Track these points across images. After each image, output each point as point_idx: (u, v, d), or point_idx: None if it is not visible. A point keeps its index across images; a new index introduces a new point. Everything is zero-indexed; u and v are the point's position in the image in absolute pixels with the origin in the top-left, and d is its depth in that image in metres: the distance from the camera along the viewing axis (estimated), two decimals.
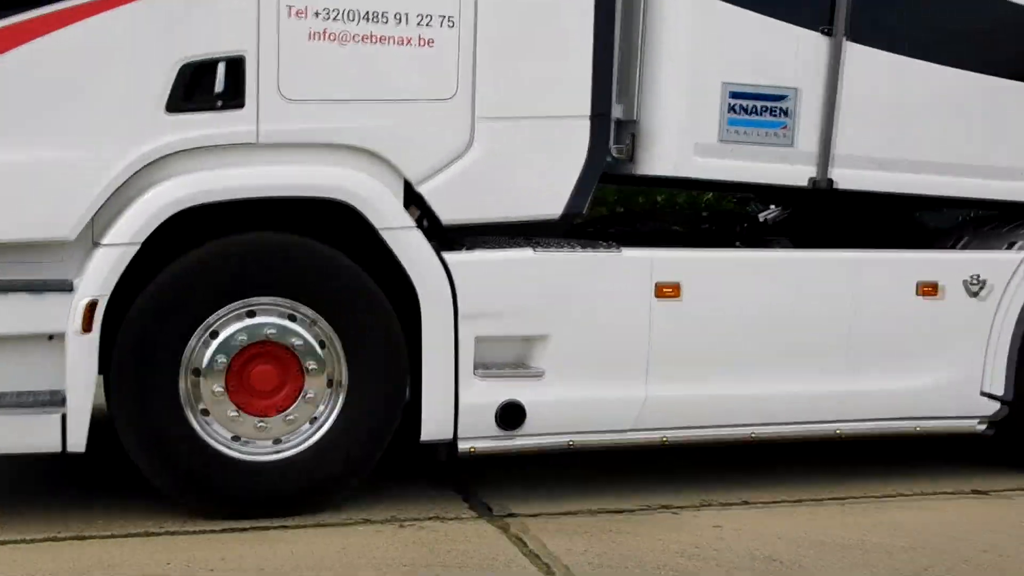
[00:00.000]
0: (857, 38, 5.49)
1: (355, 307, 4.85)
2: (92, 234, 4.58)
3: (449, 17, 4.88)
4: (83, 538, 4.54)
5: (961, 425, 5.86)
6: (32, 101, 4.44)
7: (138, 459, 4.72)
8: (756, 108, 5.43)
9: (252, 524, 4.72)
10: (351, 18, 4.75)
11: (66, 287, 4.51)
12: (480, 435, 5.08)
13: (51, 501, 5.00)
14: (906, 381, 5.71)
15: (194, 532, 4.64)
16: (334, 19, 4.73)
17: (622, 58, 5.32)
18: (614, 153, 5.40)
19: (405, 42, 4.83)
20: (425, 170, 4.94)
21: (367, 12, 4.76)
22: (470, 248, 5.09)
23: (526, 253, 5.11)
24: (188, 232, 4.67)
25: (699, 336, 5.37)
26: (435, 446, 5.08)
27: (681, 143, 5.39)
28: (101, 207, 4.53)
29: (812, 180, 5.57)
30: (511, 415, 5.08)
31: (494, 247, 5.13)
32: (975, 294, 5.79)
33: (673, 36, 5.32)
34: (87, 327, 4.47)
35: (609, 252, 5.26)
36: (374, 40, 4.79)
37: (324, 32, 4.72)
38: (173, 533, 4.62)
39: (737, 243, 6.08)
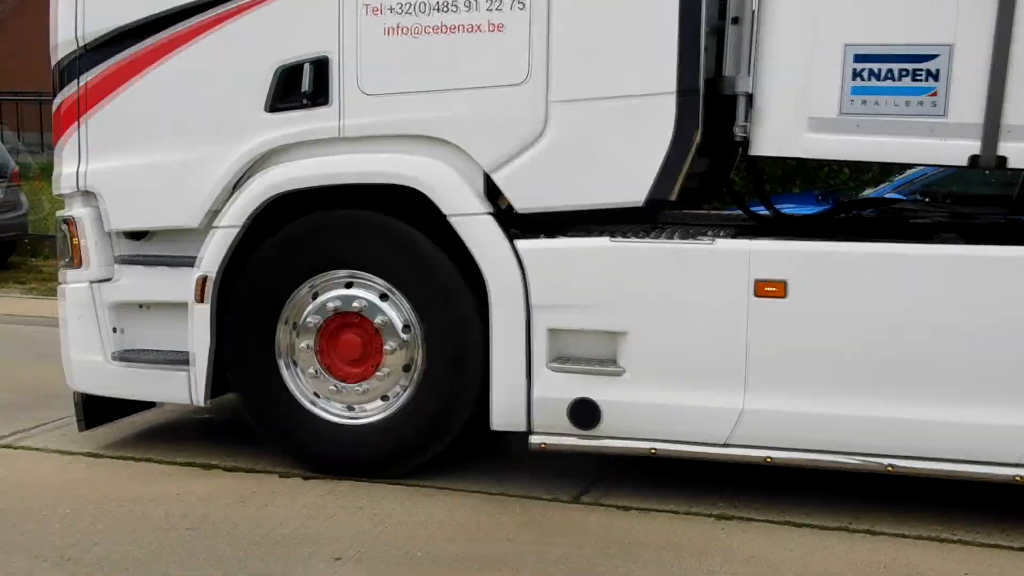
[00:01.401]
0: None
1: (423, 277, 5.00)
2: None
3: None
4: (874, 533, 4.64)
5: None
6: (163, 113, 5.28)
7: (247, 412, 5.38)
8: (891, 72, 4.43)
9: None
10: (423, 10, 4.88)
11: (193, 263, 5.30)
12: (553, 430, 4.92)
13: (840, 492, 5.02)
14: None
15: (991, 545, 4.53)
16: (407, 13, 4.90)
17: (751, 24, 4.72)
18: (738, 133, 4.79)
19: (475, 29, 4.83)
20: (498, 157, 4.89)
21: (438, 3, 4.86)
22: (548, 236, 4.93)
23: (601, 242, 4.81)
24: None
25: (812, 344, 4.59)
26: (507, 437, 5.03)
27: (789, 118, 4.61)
28: (226, 197, 5.24)
29: (974, 158, 4.41)
30: (583, 413, 4.85)
31: (573, 235, 4.90)
32: None
33: None
34: (201, 298, 5.23)
35: (697, 243, 4.72)
36: (445, 30, 4.87)
37: (398, 27, 4.92)
38: (967, 543, 4.56)
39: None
